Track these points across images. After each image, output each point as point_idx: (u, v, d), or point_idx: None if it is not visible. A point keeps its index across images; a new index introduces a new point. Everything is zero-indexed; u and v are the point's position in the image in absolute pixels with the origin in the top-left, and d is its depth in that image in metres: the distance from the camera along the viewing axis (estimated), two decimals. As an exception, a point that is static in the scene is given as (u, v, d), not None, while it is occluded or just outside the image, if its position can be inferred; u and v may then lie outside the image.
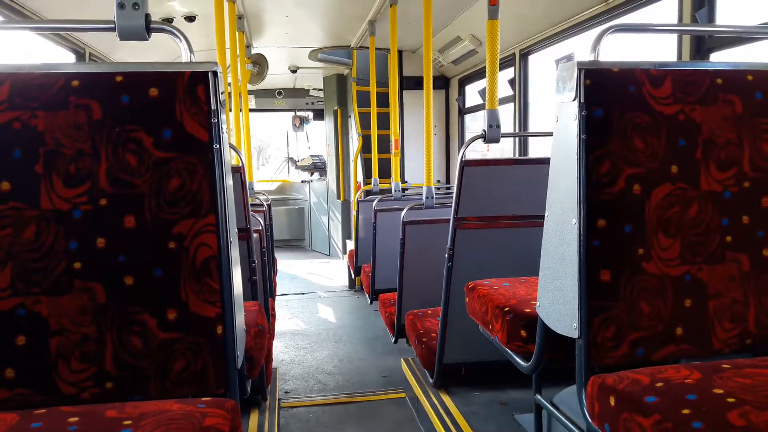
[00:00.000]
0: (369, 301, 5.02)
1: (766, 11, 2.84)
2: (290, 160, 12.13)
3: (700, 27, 2.75)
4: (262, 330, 2.49)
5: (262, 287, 3.30)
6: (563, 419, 1.95)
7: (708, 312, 1.56)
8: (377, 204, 4.73)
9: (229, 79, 5.01)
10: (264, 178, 12.63)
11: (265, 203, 4.26)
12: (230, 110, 4.78)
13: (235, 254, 1.46)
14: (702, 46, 3.04)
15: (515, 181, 2.88)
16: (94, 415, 1.26)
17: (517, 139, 5.51)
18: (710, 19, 2.95)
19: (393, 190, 5.09)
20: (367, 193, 6.10)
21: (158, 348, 1.39)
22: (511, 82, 5.47)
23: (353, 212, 6.61)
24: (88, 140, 1.36)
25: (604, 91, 1.52)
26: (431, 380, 3.24)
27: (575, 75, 1.50)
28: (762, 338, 1.61)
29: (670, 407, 1.23)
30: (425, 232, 3.73)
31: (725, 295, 1.58)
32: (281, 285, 7.09)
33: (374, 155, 6.12)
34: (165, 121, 1.37)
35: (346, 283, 7.28)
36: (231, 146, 2.84)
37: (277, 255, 5.89)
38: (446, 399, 3.10)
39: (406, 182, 7.27)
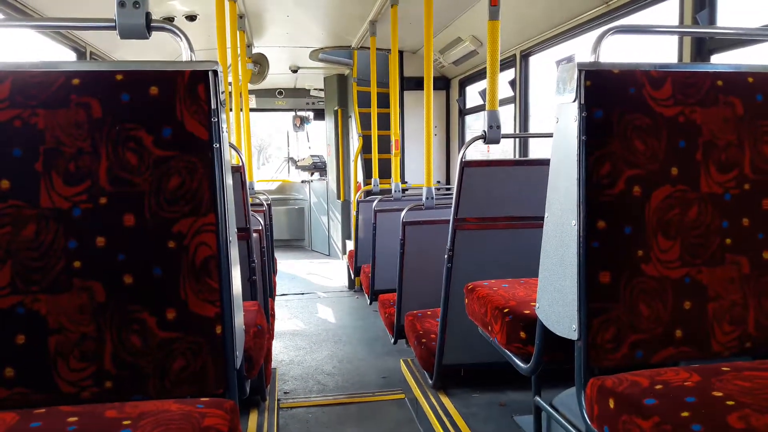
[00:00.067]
0: (368, 301, 5.02)
1: (766, 13, 2.84)
2: (290, 160, 12.14)
3: (701, 29, 2.75)
4: (262, 330, 2.49)
5: (262, 287, 3.30)
6: (562, 421, 1.95)
7: (707, 314, 1.56)
8: (377, 204, 4.72)
9: (230, 79, 5.01)
10: (264, 178, 12.64)
11: (265, 203, 4.26)
12: (231, 110, 4.78)
13: (234, 254, 1.46)
14: (703, 47, 3.04)
15: (515, 182, 2.88)
16: (93, 415, 1.25)
17: (517, 140, 5.51)
18: (711, 20, 2.95)
19: (393, 191, 5.09)
20: (367, 193, 6.10)
21: (157, 347, 1.39)
22: (512, 83, 5.47)
23: (353, 212, 6.60)
24: (88, 138, 1.36)
25: (604, 93, 1.52)
26: (430, 381, 3.24)
27: (575, 76, 1.50)
28: (762, 341, 1.60)
29: (670, 410, 1.22)
30: (425, 233, 3.72)
31: (725, 298, 1.58)
32: (281, 285, 7.09)
33: (374, 155, 6.12)
34: (165, 119, 1.37)
35: (346, 284, 7.28)
36: (231, 146, 2.84)
37: (276, 255, 5.89)
38: (445, 400, 3.09)
39: (406, 183, 7.27)
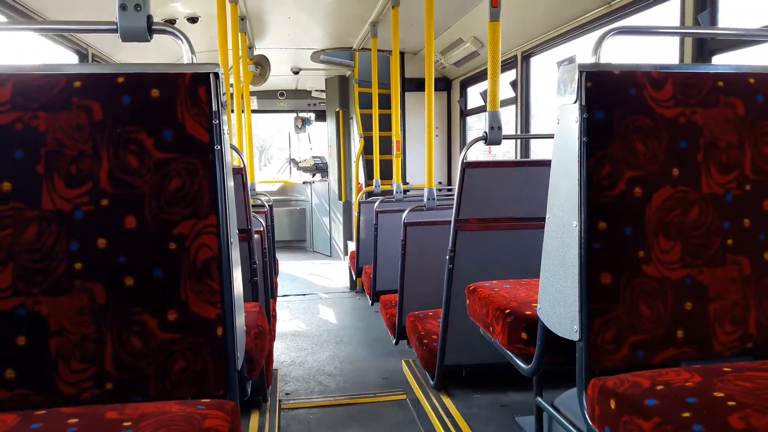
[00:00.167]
0: (370, 302, 5.02)
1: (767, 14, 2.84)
2: (292, 161, 12.15)
3: (702, 30, 2.75)
4: (263, 331, 2.49)
5: (263, 288, 3.30)
6: (564, 422, 1.95)
7: (708, 315, 1.56)
8: (379, 205, 4.72)
9: (231, 80, 5.02)
10: (266, 179, 12.65)
11: (266, 204, 4.26)
12: (232, 111, 4.78)
13: (235, 255, 1.46)
14: (704, 48, 3.03)
15: (516, 183, 2.88)
16: (93, 416, 1.26)
17: (518, 141, 5.51)
18: (712, 21, 2.95)
19: (394, 192, 5.09)
20: (369, 194, 6.10)
21: (158, 348, 1.39)
22: (513, 84, 5.47)
23: (355, 213, 6.61)
24: (90, 141, 1.37)
25: (605, 94, 1.52)
26: (432, 382, 3.24)
27: (576, 77, 1.50)
28: (763, 341, 1.60)
29: (671, 410, 1.22)
30: (426, 234, 3.72)
31: (726, 298, 1.57)
32: (282, 286, 7.09)
33: (376, 156, 6.12)
34: (166, 122, 1.38)
35: (348, 285, 7.28)
36: (232, 147, 2.84)
37: (278, 256, 5.89)
38: (447, 401, 3.09)
39: (408, 184, 7.27)
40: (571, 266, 1.54)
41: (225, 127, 1.43)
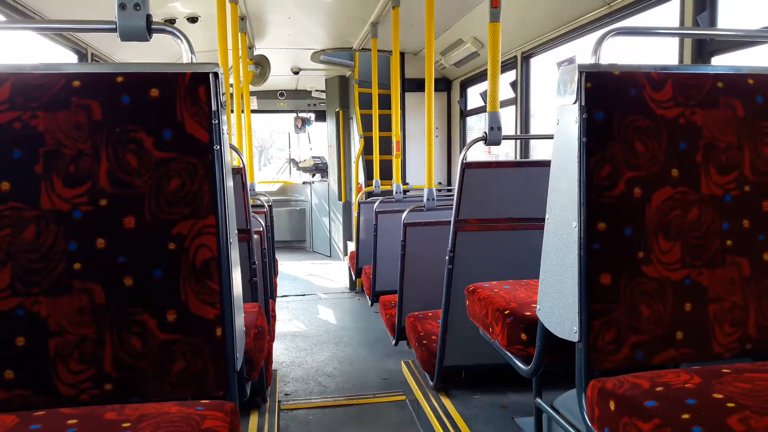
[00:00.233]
0: (370, 302, 5.02)
1: (767, 15, 2.84)
2: (292, 161, 12.15)
3: (702, 30, 2.75)
4: (262, 332, 2.49)
5: (263, 288, 3.30)
6: (563, 423, 1.95)
7: (708, 316, 1.56)
8: (378, 206, 4.72)
9: (231, 80, 5.02)
10: (266, 179, 12.65)
11: (266, 204, 4.26)
12: (232, 111, 4.78)
13: (234, 255, 1.46)
14: (703, 49, 3.03)
15: (516, 183, 2.88)
16: (92, 417, 1.25)
17: (518, 141, 5.51)
18: (712, 22, 2.95)
19: (394, 192, 5.09)
20: (369, 194, 6.10)
21: (157, 349, 1.39)
22: (513, 84, 5.47)
23: (354, 214, 6.61)
24: (89, 140, 1.36)
25: (605, 95, 1.52)
26: (431, 383, 3.23)
27: (576, 78, 1.50)
28: (762, 343, 1.60)
29: (670, 412, 1.22)
30: (426, 234, 3.72)
31: (725, 299, 1.57)
32: (282, 286, 7.09)
33: (376, 157, 6.12)
34: (165, 121, 1.37)
35: (347, 285, 7.28)
36: (232, 147, 2.84)
37: (277, 256, 5.89)
38: (446, 402, 3.09)
39: (408, 184, 7.27)
40: (570, 267, 1.54)
41: (224, 127, 1.43)
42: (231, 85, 5.33)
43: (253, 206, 3.71)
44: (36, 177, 1.35)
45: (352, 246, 6.70)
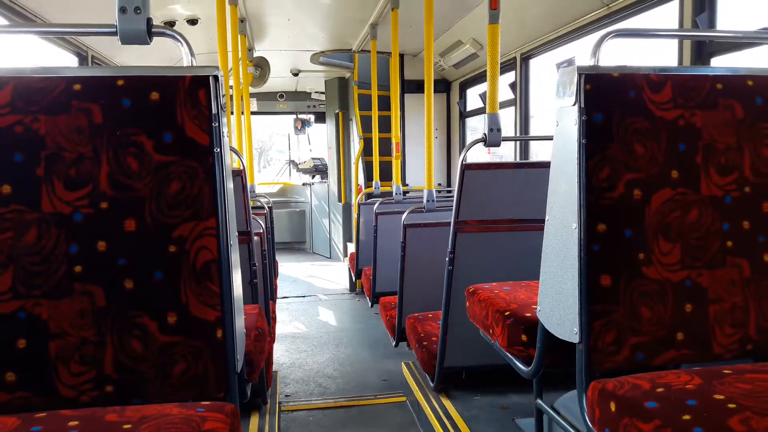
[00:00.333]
0: (370, 304, 5.02)
1: (766, 16, 2.84)
2: (292, 162, 12.15)
3: (701, 32, 2.75)
4: (263, 333, 2.49)
5: (263, 290, 3.30)
6: (564, 424, 1.95)
7: (708, 317, 1.56)
8: (378, 207, 4.72)
9: (231, 82, 5.03)
10: (265, 181, 12.65)
11: (266, 206, 4.26)
12: (232, 113, 4.78)
13: (235, 257, 1.46)
14: (702, 50, 3.04)
15: (516, 184, 2.88)
16: (93, 419, 1.26)
17: (518, 142, 5.51)
18: (711, 24, 2.95)
19: (394, 193, 5.09)
20: (368, 196, 6.11)
21: (158, 351, 1.39)
22: (512, 85, 5.47)
23: (354, 215, 6.61)
24: (89, 144, 1.37)
25: (604, 96, 1.52)
26: (432, 384, 3.23)
27: (575, 80, 1.50)
28: (763, 344, 1.60)
29: (671, 413, 1.22)
30: (426, 236, 3.72)
31: (726, 300, 1.57)
32: (282, 288, 7.09)
33: (375, 158, 6.12)
34: (166, 124, 1.38)
35: (347, 286, 7.28)
36: (232, 149, 2.84)
37: (278, 257, 5.89)
38: (447, 403, 3.09)
39: (407, 185, 7.27)
40: (570, 268, 1.54)
41: (225, 130, 1.43)
42: (231, 87, 5.34)
43: (253, 208, 3.71)
44: (37, 180, 1.36)
45: (352, 247, 6.70)
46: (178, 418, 1.24)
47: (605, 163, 1.51)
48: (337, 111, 8.68)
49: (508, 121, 5.47)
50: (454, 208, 2.84)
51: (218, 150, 1.39)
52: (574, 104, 1.51)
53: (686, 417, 1.20)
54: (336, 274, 8.18)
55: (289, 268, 8.66)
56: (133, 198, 1.38)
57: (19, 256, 1.35)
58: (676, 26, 3.20)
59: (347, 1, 5.38)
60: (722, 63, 2.99)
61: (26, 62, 1.41)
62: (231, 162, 1.66)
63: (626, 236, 1.52)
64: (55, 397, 1.37)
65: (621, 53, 3.03)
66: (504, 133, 2.86)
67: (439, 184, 7.48)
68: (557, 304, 1.62)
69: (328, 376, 4.22)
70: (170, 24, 5.46)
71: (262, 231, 3.45)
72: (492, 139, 2.83)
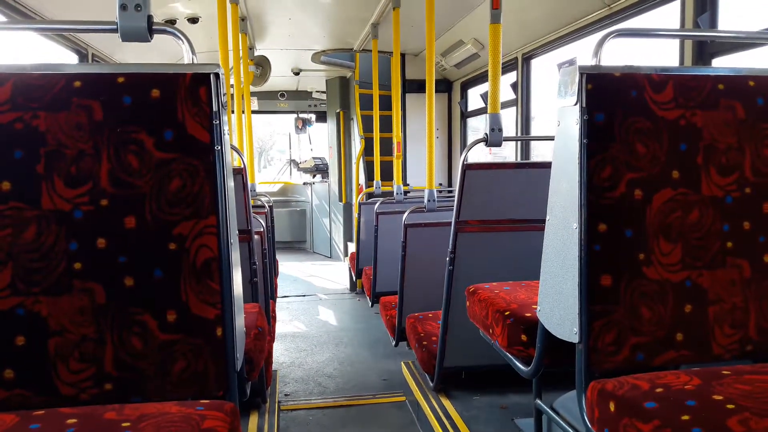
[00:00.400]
0: (370, 303, 5.02)
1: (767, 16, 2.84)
2: (292, 161, 12.16)
3: (702, 32, 2.75)
4: (262, 332, 2.49)
5: (263, 289, 3.30)
6: (563, 424, 1.95)
7: (708, 318, 1.56)
8: (379, 207, 4.72)
9: (232, 81, 5.03)
10: (266, 180, 12.66)
11: (266, 205, 4.26)
12: (233, 112, 4.79)
13: (235, 256, 1.46)
14: (704, 51, 3.04)
15: (516, 184, 2.88)
16: (92, 417, 1.25)
17: (519, 142, 5.51)
18: (712, 24, 2.95)
19: (395, 193, 5.09)
20: (369, 195, 6.11)
21: (158, 349, 1.39)
22: (514, 85, 5.47)
23: (355, 215, 6.61)
24: (90, 141, 1.36)
25: (605, 96, 1.52)
26: (431, 384, 3.23)
27: (577, 79, 1.50)
28: (762, 344, 1.60)
29: (670, 413, 1.22)
30: (427, 235, 3.72)
31: (726, 301, 1.57)
32: (282, 287, 7.09)
33: (376, 158, 6.12)
34: (166, 122, 1.37)
35: (347, 286, 7.28)
36: (233, 147, 2.84)
37: (278, 257, 5.89)
38: (446, 403, 3.09)
39: (408, 185, 7.27)
40: (571, 268, 1.54)
41: (225, 128, 1.43)
42: (231, 86, 5.34)
43: (253, 207, 3.71)
44: (37, 177, 1.36)
45: (352, 247, 6.70)
46: (177, 416, 1.24)
47: (606, 163, 1.51)
48: (338, 110, 8.68)
49: (509, 121, 5.47)
50: (455, 208, 2.84)
51: (219, 148, 1.39)
52: (576, 104, 1.51)
53: (685, 417, 1.20)
54: (336, 274, 8.18)
55: (290, 268, 8.66)
56: (133, 195, 1.37)
57: (19, 253, 1.35)
58: (677, 27, 3.20)
59: (348, 1, 5.38)
60: (724, 63, 2.99)
61: (27, 60, 1.40)
62: (232, 160, 1.65)
63: (627, 236, 1.52)
64: (54, 394, 1.37)
65: (622, 53, 3.02)
66: (505, 133, 2.86)
67: (440, 184, 7.48)
68: (557, 304, 1.62)
69: (328, 376, 4.22)
70: (171, 22, 5.46)
71: (262, 230, 3.45)
72: (493, 139, 2.83)
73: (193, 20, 5.47)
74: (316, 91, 9.94)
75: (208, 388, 1.41)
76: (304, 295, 6.93)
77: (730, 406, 1.21)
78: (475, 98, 6.96)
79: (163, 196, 1.38)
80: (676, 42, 3.19)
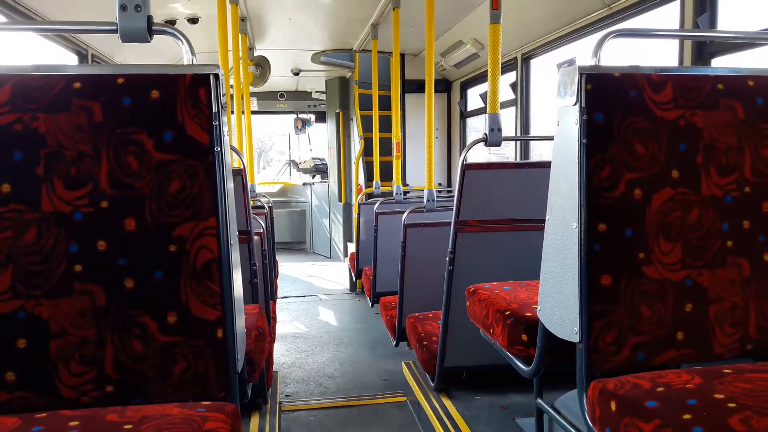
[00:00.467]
0: (370, 304, 5.02)
1: (767, 16, 2.84)
2: (292, 162, 12.16)
3: (702, 32, 2.75)
4: (263, 333, 2.49)
5: (263, 290, 3.30)
6: (564, 423, 1.95)
7: (709, 317, 1.56)
8: (379, 207, 4.72)
9: (232, 81, 5.03)
10: (265, 181, 12.66)
11: (266, 205, 4.26)
12: (232, 112, 4.79)
13: (235, 257, 1.46)
14: (703, 51, 3.04)
15: (516, 184, 2.88)
16: (94, 419, 1.25)
17: (518, 142, 5.51)
18: (712, 24, 2.95)
19: (394, 193, 5.09)
20: (369, 195, 6.11)
21: (159, 351, 1.39)
22: (513, 86, 5.47)
23: (354, 215, 6.61)
24: (90, 142, 1.36)
25: (605, 96, 1.52)
26: (432, 384, 3.23)
27: (576, 79, 1.50)
28: (763, 343, 1.60)
29: (671, 412, 1.22)
30: (426, 235, 3.72)
31: (726, 300, 1.57)
32: (282, 287, 7.09)
33: (376, 158, 6.13)
34: (166, 123, 1.37)
35: (348, 286, 7.28)
36: (233, 148, 2.84)
37: (278, 257, 5.89)
38: (447, 403, 3.09)
39: (408, 185, 7.27)
40: (571, 268, 1.54)
41: (225, 129, 1.43)
42: (231, 87, 5.34)
43: (253, 207, 3.71)
44: (37, 179, 1.36)
45: (352, 247, 6.70)
46: (178, 418, 1.24)
47: (606, 163, 1.51)
48: (337, 111, 8.68)
49: (508, 121, 5.47)
50: (454, 207, 2.84)
51: (219, 149, 1.39)
52: (575, 104, 1.51)
53: (686, 416, 1.20)
54: (336, 274, 8.18)
55: (290, 268, 8.66)
56: (133, 197, 1.37)
57: (19, 256, 1.35)
58: (677, 27, 3.20)
59: (348, 1, 5.38)
60: (723, 63, 2.99)
61: (26, 61, 1.40)
62: (231, 161, 1.65)
63: (627, 236, 1.52)
64: (56, 397, 1.37)
65: (622, 54, 3.03)
66: (504, 133, 2.86)
67: (440, 184, 7.48)
68: (558, 303, 1.62)
69: (329, 376, 4.22)
70: (171, 23, 5.46)
71: (262, 231, 3.45)
72: (493, 138, 2.83)
73: (193, 21, 5.47)
74: (316, 92, 9.94)
75: (209, 390, 1.41)
76: (304, 296, 6.93)
77: (731, 405, 1.21)
78: (474, 98, 6.96)
79: (163, 197, 1.38)
80: (676, 42, 3.19)
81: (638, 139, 1.53)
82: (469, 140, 6.84)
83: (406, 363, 3.80)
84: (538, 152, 5.76)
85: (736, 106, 1.60)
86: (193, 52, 1.47)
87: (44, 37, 3.95)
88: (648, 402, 1.28)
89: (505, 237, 2.94)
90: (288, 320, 5.82)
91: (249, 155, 5.04)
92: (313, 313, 6.13)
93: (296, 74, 8.44)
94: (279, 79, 8.49)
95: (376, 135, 6.15)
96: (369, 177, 7.18)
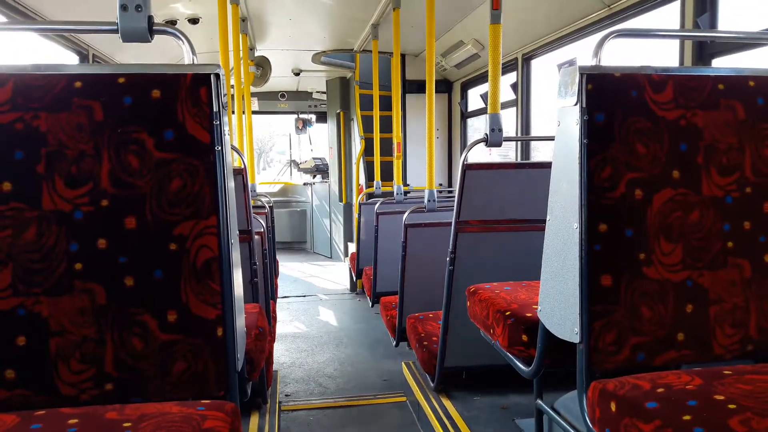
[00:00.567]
0: (370, 304, 5.02)
1: (767, 17, 2.84)
2: (293, 162, 12.17)
3: (702, 32, 2.75)
4: (263, 332, 2.49)
5: (263, 289, 3.30)
6: (564, 424, 1.95)
7: (709, 317, 1.56)
8: (379, 207, 4.72)
9: (232, 81, 5.04)
10: (266, 181, 12.67)
11: (267, 205, 4.26)
12: (233, 112, 4.79)
13: (236, 256, 1.46)
14: (704, 51, 3.04)
15: (517, 185, 2.88)
16: (93, 417, 1.25)
17: (519, 143, 5.51)
18: (712, 24, 2.95)
19: (395, 193, 5.09)
20: (369, 195, 6.11)
21: (158, 349, 1.39)
22: (514, 86, 5.47)
23: (355, 215, 6.61)
24: (90, 141, 1.37)
25: (605, 96, 1.52)
26: (432, 384, 3.23)
27: (577, 80, 1.50)
28: (763, 344, 1.60)
29: (671, 413, 1.22)
30: (427, 236, 3.72)
31: (726, 301, 1.57)
32: (282, 287, 7.09)
33: (376, 158, 6.13)
34: (167, 122, 1.38)
35: (348, 286, 7.28)
36: (233, 148, 2.84)
37: (278, 257, 5.89)
38: (447, 403, 3.09)
39: (408, 185, 7.27)
40: (571, 268, 1.54)
41: (226, 128, 1.43)
42: (232, 87, 5.34)
43: (254, 207, 3.71)
44: (38, 177, 1.36)
45: (352, 247, 6.70)
46: (178, 416, 1.24)
47: (607, 163, 1.51)
48: (338, 111, 8.68)
49: (509, 121, 5.47)
50: (455, 208, 2.84)
51: (219, 148, 1.39)
52: (576, 104, 1.51)
53: (687, 417, 1.20)
54: (336, 274, 8.18)
55: (290, 268, 8.66)
56: (133, 196, 1.37)
57: (19, 254, 1.35)
58: (677, 27, 3.20)
59: (349, 1, 5.39)
60: (724, 63, 2.99)
61: (27, 60, 1.41)
62: (232, 161, 1.65)
63: (627, 236, 1.52)
64: (55, 395, 1.37)
65: (622, 54, 3.03)
66: (505, 134, 2.86)
67: (440, 184, 7.48)
68: (558, 304, 1.62)
69: (329, 376, 4.22)
70: (171, 23, 5.47)
71: (262, 230, 3.45)
72: (493, 139, 2.83)
73: (194, 21, 5.47)
74: (317, 92, 9.95)
75: (208, 389, 1.41)
76: (304, 296, 6.93)
77: (731, 406, 1.21)
78: (475, 98, 6.96)
79: (163, 196, 1.38)
80: (676, 42, 3.19)
81: (639, 139, 1.53)
82: (470, 140, 6.84)
83: (406, 363, 3.80)
84: (539, 153, 5.75)
85: (737, 107, 1.60)
86: (194, 52, 1.47)
87: (45, 37, 3.96)
88: (648, 403, 1.27)
89: (505, 237, 2.94)
90: (288, 320, 5.82)
91: (250, 155, 5.04)
92: (313, 313, 6.13)
93: (297, 74, 8.44)
94: (280, 79, 8.49)
95: (376, 135, 6.15)
96: (370, 177, 7.19)
